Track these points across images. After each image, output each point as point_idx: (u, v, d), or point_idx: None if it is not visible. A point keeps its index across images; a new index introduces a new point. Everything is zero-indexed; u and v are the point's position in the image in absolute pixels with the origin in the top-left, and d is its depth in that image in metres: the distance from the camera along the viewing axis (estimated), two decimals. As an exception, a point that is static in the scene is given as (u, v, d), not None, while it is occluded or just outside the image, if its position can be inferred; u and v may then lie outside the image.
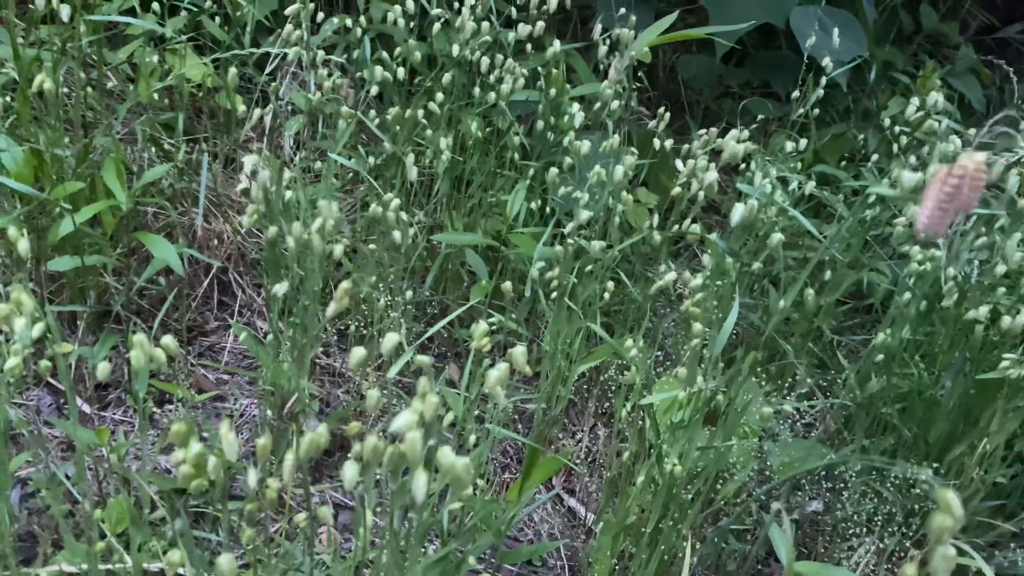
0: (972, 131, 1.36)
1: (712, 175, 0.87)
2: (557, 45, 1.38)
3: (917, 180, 0.55)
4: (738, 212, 0.75)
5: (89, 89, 1.29)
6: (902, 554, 1.06)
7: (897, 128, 1.44)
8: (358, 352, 0.58)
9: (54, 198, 1.08)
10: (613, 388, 1.22)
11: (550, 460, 0.91)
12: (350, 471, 0.55)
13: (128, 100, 1.30)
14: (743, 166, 1.22)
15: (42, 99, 1.18)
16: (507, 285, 1.18)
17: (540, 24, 1.37)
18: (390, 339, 0.60)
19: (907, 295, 1.18)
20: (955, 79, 2.18)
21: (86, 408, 1.17)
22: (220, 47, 1.44)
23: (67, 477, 0.99)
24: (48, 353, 0.76)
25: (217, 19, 1.46)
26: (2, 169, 1.08)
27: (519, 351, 0.57)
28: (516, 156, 1.40)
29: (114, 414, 1.18)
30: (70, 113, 1.30)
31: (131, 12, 1.33)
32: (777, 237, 0.81)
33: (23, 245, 0.66)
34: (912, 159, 1.34)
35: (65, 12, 1.07)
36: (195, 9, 1.43)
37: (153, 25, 1.27)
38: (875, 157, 1.59)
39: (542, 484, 1.22)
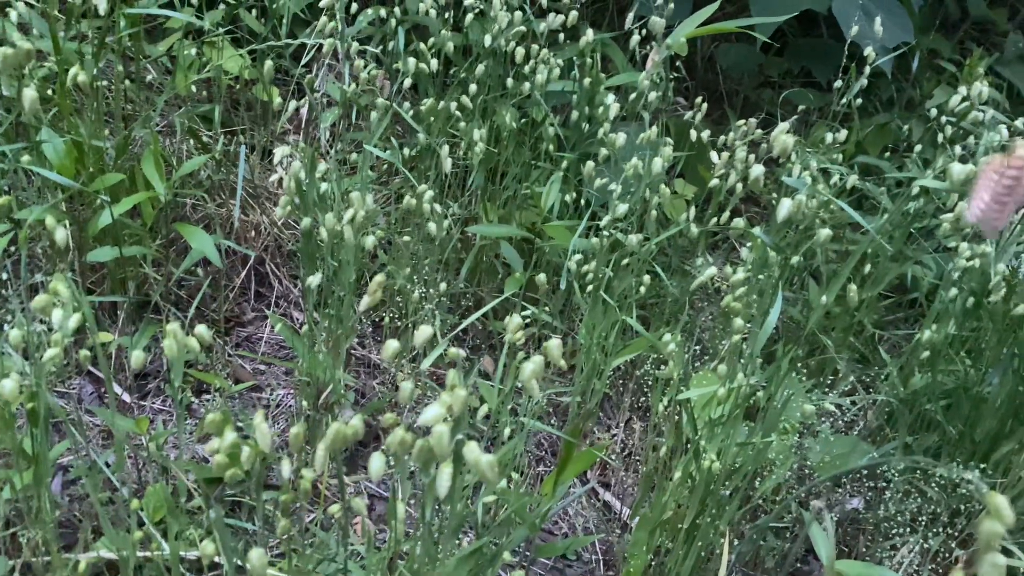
0: (1020, 121, 1.31)
1: (758, 168, 0.84)
2: (590, 34, 1.36)
3: (967, 172, 0.53)
4: (785, 207, 0.73)
5: (128, 82, 1.30)
6: (946, 554, 1.03)
7: (943, 118, 1.40)
8: (391, 344, 0.57)
9: (94, 189, 1.09)
10: (649, 382, 1.21)
11: (585, 453, 0.90)
12: (376, 463, 0.55)
13: (166, 92, 1.31)
14: (783, 158, 1.19)
15: (81, 92, 1.20)
16: (542, 277, 1.17)
17: (574, 13, 1.36)
18: (423, 331, 0.60)
19: (953, 290, 1.15)
20: (1004, 68, 2.11)
21: (126, 397, 1.19)
22: (257, 39, 1.44)
23: (107, 465, 1.00)
24: (89, 343, 0.77)
25: (254, 12, 1.47)
26: (44, 161, 1.10)
27: (555, 343, 0.56)
28: (551, 147, 1.39)
29: (153, 403, 1.20)
30: (110, 105, 1.31)
31: (169, 5, 1.34)
32: (825, 233, 0.79)
33: (60, 234, 0.67)
34: (958, 150, 1.30)
35: (103, 5, 1.08)
36: (233, 2, 1.44)
37: (191, 18, 1.28)
38: (919, 148, 1.54)
39: (577, 478, 1.21)
